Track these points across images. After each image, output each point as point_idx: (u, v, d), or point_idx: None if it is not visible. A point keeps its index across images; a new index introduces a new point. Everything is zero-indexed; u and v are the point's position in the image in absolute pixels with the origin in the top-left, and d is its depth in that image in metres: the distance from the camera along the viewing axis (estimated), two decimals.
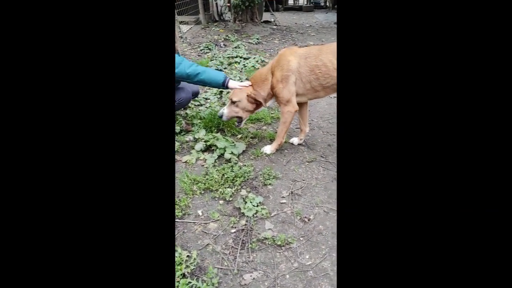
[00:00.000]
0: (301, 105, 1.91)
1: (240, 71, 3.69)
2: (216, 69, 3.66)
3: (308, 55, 1.72)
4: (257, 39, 5.40)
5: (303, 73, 1.72)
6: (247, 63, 3.91)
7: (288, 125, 1.88)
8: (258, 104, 1.86)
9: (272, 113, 2.57)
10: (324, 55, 1.68)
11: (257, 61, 4.01)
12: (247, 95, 1.82)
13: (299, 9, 11.30)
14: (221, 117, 1.91)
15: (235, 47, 4.71)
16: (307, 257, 1.26)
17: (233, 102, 1.86)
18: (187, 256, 1.25)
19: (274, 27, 6.89)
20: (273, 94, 1.84)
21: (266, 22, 7.20)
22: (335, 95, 2.08)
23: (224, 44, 5.02)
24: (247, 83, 1.91)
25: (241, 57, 4.19)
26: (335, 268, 1.21)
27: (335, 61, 1.65)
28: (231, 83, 1.91)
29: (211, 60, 4.01)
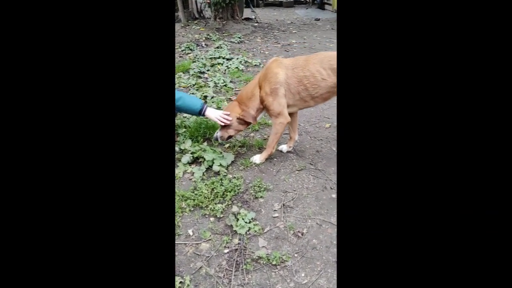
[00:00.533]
0: (291, 113, 1.89)
1: (224, 73, 3.61)
2: (199, 71, 3.57)
3: (295, 66, 1.69)
4: (239, 37, 5.32)
5: (292, 84, 1.69)
6: (230, 64, 3.84)
7: (279, 136, 1.86)
8: (249, 123, 1.86)
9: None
10: (311, 65, 1.66)
11: (240, 61, 3.94)
12: (237, 118, 1.81)
13: (280, 4, 11.23)
14: (216, 140, 1.91)
15: (217, 47, 4.61)
16: (302, 275, 1.25)
17: (224, 126, 1.85)
18: (180, 282, 1.20)
19: (256, 24, 6.81)
20: (263, 108, 1.81)
21: (247, 19, 7.10)
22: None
23: (205, 44, 4.90)
24: (227, 113, 1.84)
25: (223, 58, 4.10)
26: (331, 285, 1.20)
27: (323, 71, 1.63)
28: (209, 112, 1.86)
29: (193, 62, 3.90)
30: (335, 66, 1.63)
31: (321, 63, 1.64)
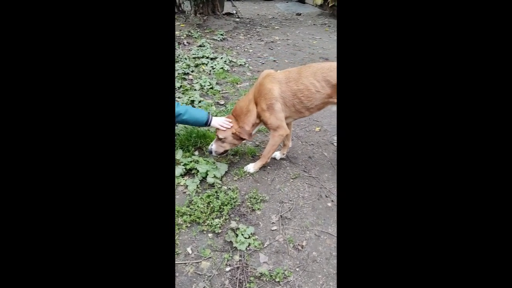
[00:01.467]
0: (287, 123, 1.90)
1: (209, 74, 3.54)
2: (183, 72, 3.47)
3: (289, 80, 1.70)
4: (221, 35, 5.20)
5: (286, 98, 1.70)
6: (215, 65, 3.75)
7: (276, 148, 1.86)
8: (243, 138, 1.85)
9: None
10: (304, 78, 1.67)
11: (225, 61, 3.87)
12: (233, 133, 1.79)
13: None
14: (211, 152, 1.89)
15: (200, 46, 4.49)
16: None
17: (219, 139, 1.83)
18: None
19: (237, 19, 6.68)
20: (258, 123, 1.82)
21: (228, 14, 6.95)
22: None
23: (187, 42, 4.76)
24: (229, 120, 1.85)
25: (207, 58, 4.00)
26: None
27: (316, 83, 1.64)
28: (214, 121, 1.84)
29: (176, 62, 3.78)
30: (328, 77, 1.64)
31: (315, 75, 1.65)
